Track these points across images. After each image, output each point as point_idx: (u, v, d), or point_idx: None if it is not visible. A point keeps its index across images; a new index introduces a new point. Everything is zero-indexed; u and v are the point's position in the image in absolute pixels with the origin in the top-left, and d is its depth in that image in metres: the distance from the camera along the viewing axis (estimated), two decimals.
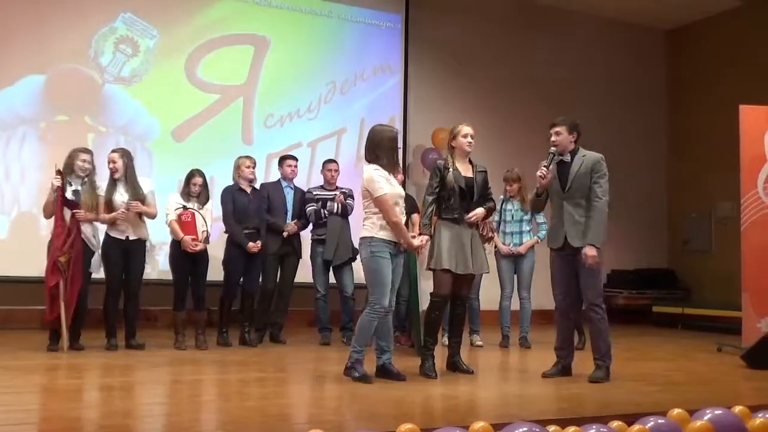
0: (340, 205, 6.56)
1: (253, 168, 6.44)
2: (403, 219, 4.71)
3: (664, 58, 11.06)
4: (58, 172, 5.56)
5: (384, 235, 4.54)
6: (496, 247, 6.85)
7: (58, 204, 5.52)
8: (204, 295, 6.08)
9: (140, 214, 5.84)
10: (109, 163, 5.81)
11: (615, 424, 3.22)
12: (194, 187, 6.05)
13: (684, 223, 10.56)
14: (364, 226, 4.64)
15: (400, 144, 4.85)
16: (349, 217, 6.68)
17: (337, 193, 6.65)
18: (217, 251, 6.39)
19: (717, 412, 3.33)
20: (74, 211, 5.55)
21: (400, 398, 4.09)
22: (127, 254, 5.81)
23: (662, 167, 10.91)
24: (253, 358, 5.65)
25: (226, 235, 6.38)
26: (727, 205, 9.59)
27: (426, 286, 5.80)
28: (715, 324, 8.57)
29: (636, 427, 3.14)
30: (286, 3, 8.39)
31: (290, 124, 8.32)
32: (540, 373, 4.97)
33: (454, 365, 5.06)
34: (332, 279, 6.70)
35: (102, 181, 5.85)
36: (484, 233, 5.13)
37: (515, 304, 6.82)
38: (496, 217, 6.82)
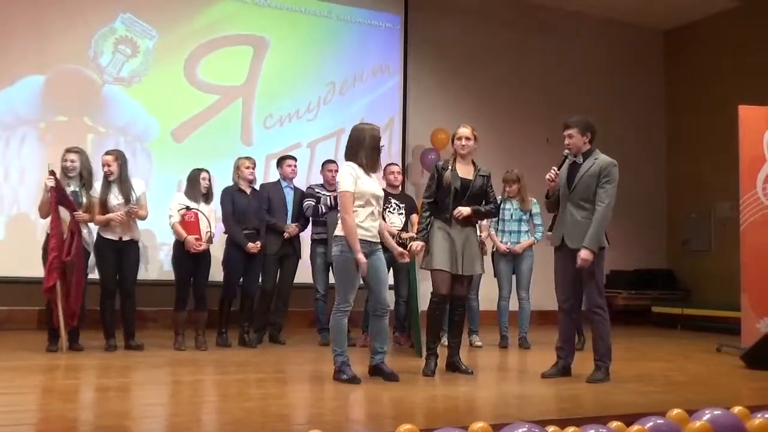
0: (333, 199, 6.52)
1: (253, 168, 6.45)
2: (377, 217, 4.65)
3: (663, 59, 11.08)
4: (51, 173, 5.56)
5: (359, 234, 4.51)
6: (494, 246, 6.86)
7: (53, 204, 5.53)
8: (205, 296, 6.09)
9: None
10: (103, 165, 5.81)
11: (614, 424, 3.22)
12: (204, 182, 6.08)
13: (683, 224, 10.57)
14: (338, 224, 4.63)
15: (383, 143, 4.82)
16: None
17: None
18: (217, 251, 6.39)
19: (716, 412, 3.33)
20: (74, 213, 5.56)
21: (400, 399, 4.09)
22: (120, 255, 5.80)
23: (661, 167, 10.92)
24: (252, 358, 5.66)
25: (226, 236, 6.38)
26: (726, 206, 9.60)
27: (425, 287, 5.80)
28: (714, 324, 8.58)
29: (635, 427, 3.14)
30: (286, 3, 8.39)
31: (290, 124, 8.32)
32: (539, 373, 4.97)
33: (454, 366, 5.06)
34: (332, 279, 6.68)
35: (96, 182, 5.85)
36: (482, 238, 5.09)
37: (513, 305, 6.82)
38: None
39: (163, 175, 7.47)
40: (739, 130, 6.71)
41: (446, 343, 5.51)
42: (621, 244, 9.57)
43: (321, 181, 6.93)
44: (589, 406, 4.03)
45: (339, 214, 4.61)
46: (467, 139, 5.01)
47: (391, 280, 6.66)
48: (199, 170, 6.14)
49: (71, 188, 5.68)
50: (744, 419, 3.38)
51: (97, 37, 7.51)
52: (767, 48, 9.39)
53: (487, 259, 6.92)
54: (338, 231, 4.59)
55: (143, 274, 6.50)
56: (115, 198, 5.77)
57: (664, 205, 10.93)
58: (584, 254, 4.66)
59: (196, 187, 6.07)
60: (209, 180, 6.16)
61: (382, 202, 4.79)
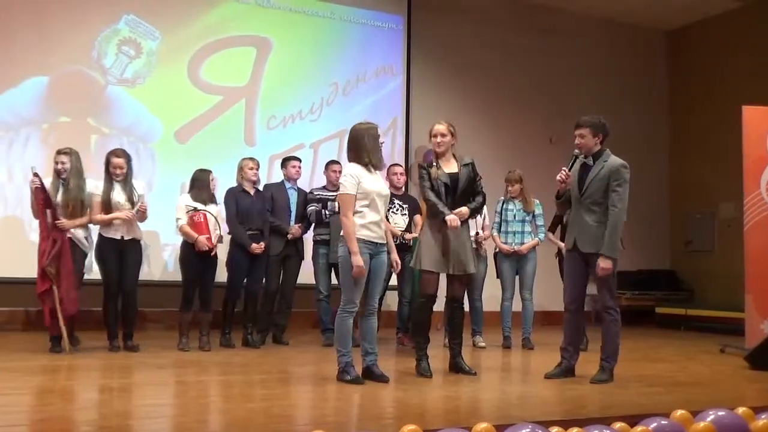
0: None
1: (256, 169, 6.45)
2: (383, 216, 4.65)
3: (665, 59, 11.07)
4: (35, 174, 5.52)
5: (363, 234, 4.51)
6: (497, 248, 6.85)
7: (39, 207, 5.51)
8: (211, 298, 6.08)
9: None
10: (116, 168, 5.76)
11: (618, 425, 3.21)
12: (213, 182, 6.11)
13: (687, 224, 10.55)
14: None
15: (382, 140, 4.83)
16: None
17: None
18: (220, 253, 6.38)
19: (720, 413, 3.33)
20: (56, 221, 5.51)
21: (403, 399, 4.09)
22: (122, 254, 5.78)
23: (664, 168, 10.91)
24: (256, 359, 5.66)
25: (230, 237, 6.38)
26: (730, 206, 9.58)
27: None
28: (718, 325, 8.57)
29: (639, 428, 3.15)
30: (289, 4, 8.39)
31: (293, 125, 8.33)
32: (542, 374, 4.96)
33: (456, 366, 5.05)
34: (334, 280, 6.69)
35: (98, 180, 5.83)
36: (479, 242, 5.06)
37: (516, 306, 6.81)
38: (496, 218, 6.82)
39: (167, 175, 7.48)
40: (742, 131, 6.71)
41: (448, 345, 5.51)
42: (624, 244, 9.56)
43: (324, 182, 6.93)
44: (592, 406, 4.03)
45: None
46: (442, 135, 4.96)
47: (394, 281, 6.70)
48: (206, 171, 6.14)
49: (61, 191, 5.64)
50: (748, 420, 3.38)
51: (101, 39, 7.52)
52: None
53: (490, 260, 6.94)
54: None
55: (146, 275, 6.49)
56: (118, 195, 5.74)
57: (667, 206, 10.91)
58: (603, 263, 4.64)
59: (204, 188, 6.06)
60: (215, 181, 6.18)
61: (387, 202, 4.79)
